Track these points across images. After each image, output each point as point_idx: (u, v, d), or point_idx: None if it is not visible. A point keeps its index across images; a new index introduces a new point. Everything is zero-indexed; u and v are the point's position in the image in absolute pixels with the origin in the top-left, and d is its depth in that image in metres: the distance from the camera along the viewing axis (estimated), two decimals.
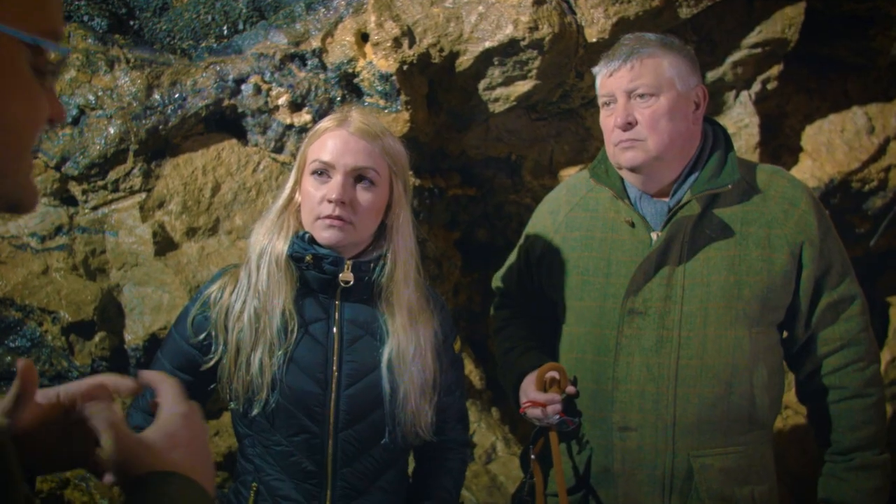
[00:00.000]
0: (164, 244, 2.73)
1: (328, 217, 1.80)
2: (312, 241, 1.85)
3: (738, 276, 2.05)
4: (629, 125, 2.04)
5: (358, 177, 1.83)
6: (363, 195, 1.83)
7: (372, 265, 1.86)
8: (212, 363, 1.85)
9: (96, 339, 2.61)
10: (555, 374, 2.13)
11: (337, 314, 1.87)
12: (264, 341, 1.80)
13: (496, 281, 2.57)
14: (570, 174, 3.45)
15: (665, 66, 2.05)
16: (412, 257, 1.93)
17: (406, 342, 1.86)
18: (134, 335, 2.64)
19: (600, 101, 2.14)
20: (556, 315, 2.31)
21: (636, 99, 2.04)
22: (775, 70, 3.48)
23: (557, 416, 2.09)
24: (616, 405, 2.08)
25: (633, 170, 2.09)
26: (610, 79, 2.08)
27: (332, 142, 1.83)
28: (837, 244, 2.14)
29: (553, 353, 2.29)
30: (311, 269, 1.84)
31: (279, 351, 1.80)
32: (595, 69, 2.16)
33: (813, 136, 3.77)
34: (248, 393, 1.80)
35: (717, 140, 2.16)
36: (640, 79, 2.03)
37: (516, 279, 2.45)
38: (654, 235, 2.11)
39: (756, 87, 3.51)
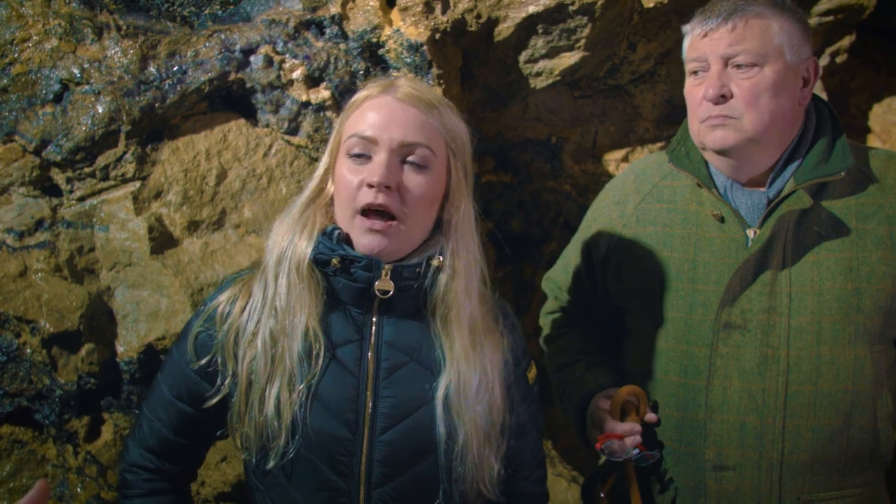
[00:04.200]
0: (162, 240, 2.40)
1: (368, 210, 1.44)
2: (342, 238, 1.50)
3: (857, 284, 1.75)
4: (722, 98, 1.73)
5: (407, 156, 1.47)
6: (413, 179, 1.47)
7: (419, 270, 1.49)
8: (216, 399, 1.50)
9: (83, 351, 2.28)
10: (631, 397, 1.79)
11: (374, 334, 1.50)
12: (282, 372, 1.45)
13: (548, 282, 2.26)
14: (614, 158, 3.17)
15: (774, 31, 1.72)
16: (476, 262, 1.56)
17: (468, 373, 1.49)
18: (127, 346, 2.32)
19: (688, 66, 1.82)
20: (627, 326, 1.98)
21: (734, 68, 1.72)
22: (846, 41, 3.15)
23: (637, 450, 1.75)
24: (710, 438, 1.77)
25: (720, 152, 1.78)
26: (704, 40, 1.75)
27: (373, 112, 1.48)
28: None
29: (622, 371, 1.96)
30: (339, 275, 1.48)
31: (301, 384, 1.44)
32: (686, 27, 1.83)
33: (881, 114, 3.46)
34: (263, 439, 1.45)
35: (821, 121, 1.83)
36: (743, 43, 1.71)
37: (574, 281, 2.13)
38: (750, 233, 1.80)
39: (824, 60, 3.17)
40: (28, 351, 2.24)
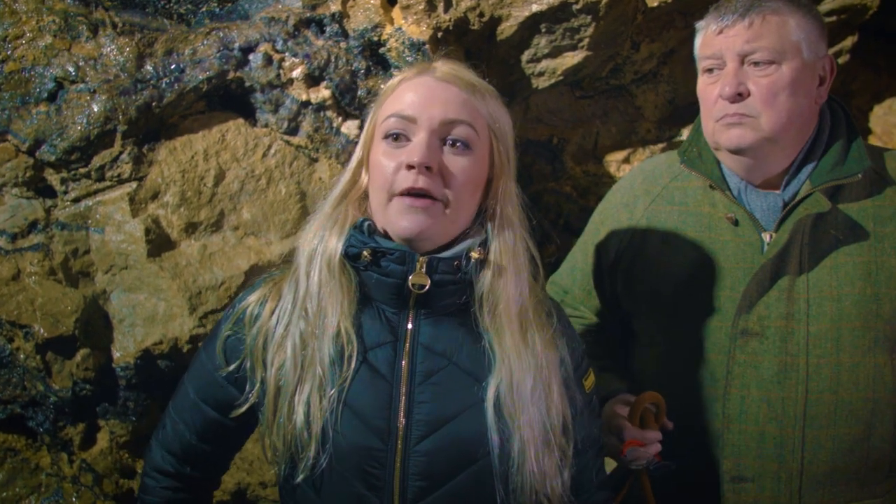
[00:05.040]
0: (159, 242, 2.34)
1: (408, 192, 1.34)
2: (374, 230, 1.41)
3: (876, 289, 1.71)
4: (739, 97, 1.69)
5: (448, 136, 1.37)
6: (456, 162, 1.36)
7: (457, 264, 1.38)
8: (244, 408, 1.42)
9: (78, 357, 2.23)
10: (651, 405, 1.75)
11: (409, 335, 1.39)
12: (312, 376, 1.34)
13: (553, 285, 2.22)
14: (615, 159, 3.13)
15: (791, 27, 1.68)
16: (524, 251, 1.45)
17: (521, 370, 1.36)
18: (124, 352, 2.26)
19: (702, 64, 1.78)
20: (637, 331, 1.94)
21: (751, 66, 1.69)
22: (849, 42, 3.12)
23: (654, 459, 1.70)
24: (727, 449, 1.74)
25: (736, 152, 1.74)
26: (719, 37, 1.71)
27: (412, 93, 1.39)
28: None
29: (631, 377, 1.92)
30: (370, 269, 1.38)
31: (332, 389, 1.33)
32: (699, 24, 1.80)
33: (882, 116, 3.45)
34: (291, 450, 1.35)
35: (836, 122, 1.79)
36: (760, 40, 1.67)
37: (581, 284, 2.09)
38: (765, 237, 1.76)
39: None
40: (21, 356, 2.18)
